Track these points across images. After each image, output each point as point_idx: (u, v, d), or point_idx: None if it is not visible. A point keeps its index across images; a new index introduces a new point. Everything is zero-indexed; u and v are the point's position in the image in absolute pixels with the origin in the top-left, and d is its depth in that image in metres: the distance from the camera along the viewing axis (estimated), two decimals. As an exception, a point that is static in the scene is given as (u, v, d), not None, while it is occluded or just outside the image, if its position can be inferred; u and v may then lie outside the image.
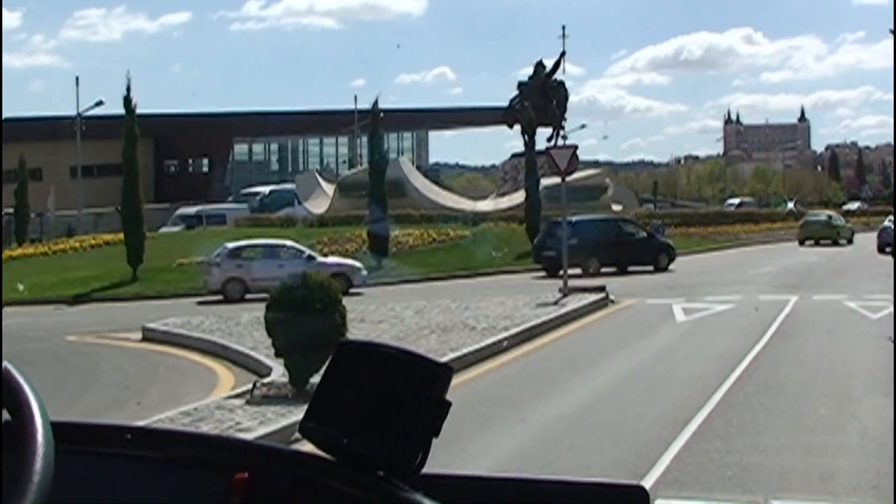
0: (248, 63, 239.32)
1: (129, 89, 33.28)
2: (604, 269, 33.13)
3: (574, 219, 33.89)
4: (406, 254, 37.29)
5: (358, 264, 30.98)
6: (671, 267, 36.13)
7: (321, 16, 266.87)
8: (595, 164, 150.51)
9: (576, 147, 23.17)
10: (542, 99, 58.29)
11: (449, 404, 1.45)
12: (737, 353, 15.66)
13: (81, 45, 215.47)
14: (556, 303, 21.61)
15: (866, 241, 48.02)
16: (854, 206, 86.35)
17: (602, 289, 23.51)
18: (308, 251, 31.25)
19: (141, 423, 2.34)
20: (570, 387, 13.35)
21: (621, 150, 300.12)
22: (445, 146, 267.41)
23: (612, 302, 23.30)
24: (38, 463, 1.16)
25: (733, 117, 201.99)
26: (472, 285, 30.75)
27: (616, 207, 54.31)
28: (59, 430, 1.24)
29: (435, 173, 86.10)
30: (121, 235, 34.65)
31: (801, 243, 49.75)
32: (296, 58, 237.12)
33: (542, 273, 34.07)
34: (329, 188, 54.72)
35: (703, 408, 11.67)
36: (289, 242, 31.72)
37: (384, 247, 34.70)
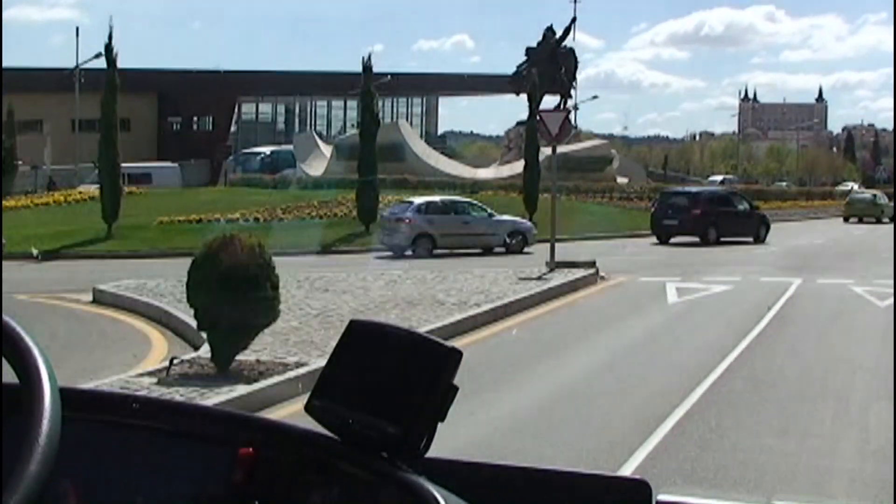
0: (269, 24, 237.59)
1: (110, 38, 31.74)
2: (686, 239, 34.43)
3: (693, 190, 38.82)
4: (396, 220, 35.74)
5: (529, 224, 32.93)
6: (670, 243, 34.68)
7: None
8: (610, 137, 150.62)
9: (568, 111, 21.61)
10: (550, 66, 56.34)
11: (456, 389, 1.44)
12: (727, 343, 14.20)
13: (101, 0, 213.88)
14: (539, 277, 20.11)
15: (827, 227, 46.63)
16: (849, 185, 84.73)
17: (592, 264, 22.00)
18: (488, 209, 32.15)
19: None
20: (533, 377, 11.85)
21: (637, 124, 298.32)
22: (462, 114, 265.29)
23: (603, 278, 21.82)
24: (45, 427, 1.17)
25: (751, 95, 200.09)
26: (463, 255, 29.27)
27: (622, 180, 52.69)
28: (67, 397, 1.24)
29: (442, 140, 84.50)
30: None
31: (846, 220, 50.96)
32: (316, 19, 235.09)
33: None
34: (327, 150, 53.15)
35: (680, 406, 10.25)
36: (467, 200, 33.98)
37: (373, 213, 33.20)
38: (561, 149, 54.20)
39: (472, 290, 17.95)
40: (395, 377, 1.46)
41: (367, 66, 33.65)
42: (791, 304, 18.78)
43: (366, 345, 1.52)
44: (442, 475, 1.46)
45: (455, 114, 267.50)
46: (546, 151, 51.82)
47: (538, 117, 21.00)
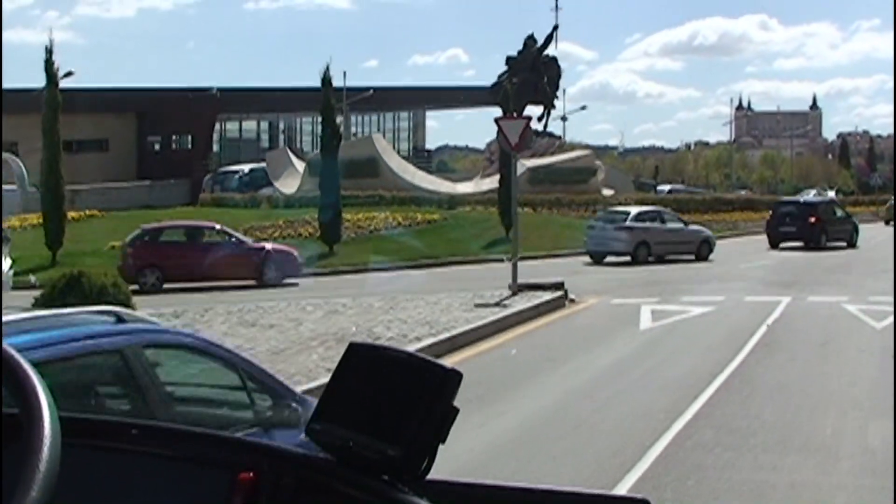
0: (262, 42, 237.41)
1: (50, 52, 29.84)
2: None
3: (805, 200, 41.72)
4: (363, 240, 33.72)
5: (710, 232, 33.77)
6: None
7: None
8: (605, 148, 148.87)
9: (529, 119, 19.57)
10: (532, 75, 54.45)
11: (457, 410, 1.45)
12: (700, 378, 12.34)
13: (95, 22, 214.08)
14: (497, 303, 18.14)
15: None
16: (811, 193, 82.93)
17: (560, 286, 20.06)
18: (680, 218, 34.54)
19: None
20: (467, 427, 9.92)
21: (633, 135, 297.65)
22: (458, 127, 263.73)
23: (572, 301, 19.90)
24: (45, 454, 1.17)
25: (745, 104, 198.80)
26: (434, 275, 27.36)
27: (607, 192, 50.71)
28: (66, 424, 1.24)
29: (425, 154, 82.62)
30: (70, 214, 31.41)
31: (887, 223, 50.36)
32: (309, 37, 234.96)
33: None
34: (301, 166, 51.22)
35: (636, 466, 8.39)
36: (663, 209, 35.25)
37: (336, 232, 31.24)
38: (543, 160, 52.86)
39: (417, 320, 15.99)
40: (394, 399, 1.45)
41: (325, 79, 31.81)
42: (777, 328, 16.90)
43: (365, 367, 1.53)
44: (443, 496, 1.47)
45: (450, 127, 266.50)
46: (526, 163, 50.23)
47: (497, 126, 19.02)
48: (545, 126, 58.67)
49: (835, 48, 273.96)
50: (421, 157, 78.59)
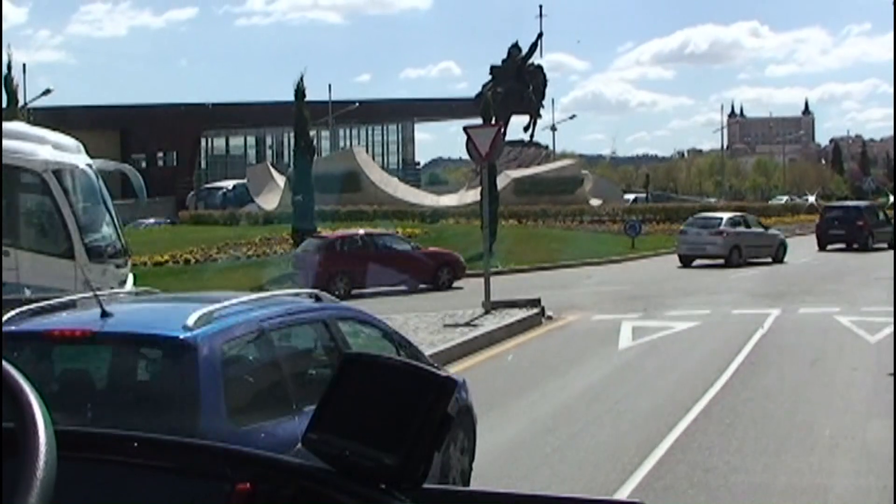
0: (254, 58, 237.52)
1: (9, 68, 28.79)
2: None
3: (853, 204, 43.38)
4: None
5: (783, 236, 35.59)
6: (641, 271, 31.68)
7: (326, 10, 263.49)
8: (599, 157, 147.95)
9: (500, 126, 18.44)
10: (517, 83, 53.31)
11: (452, 419, 1.45)
12: (679, 405, 11.31)
13: (87, 41, 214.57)
14: (467, 323, 17.04)
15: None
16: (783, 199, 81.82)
17: (536, 302, 18.97)
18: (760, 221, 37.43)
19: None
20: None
21: (626, 143, 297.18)
22: (452, 139, 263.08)
23: (549, 318, 18.82)
24: (41, 469, 1.17)
25: (737, 111, 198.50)
26: (408, 293, 26.26)
27: (595, 202, 49.57)
28: (64, 438, 1.25)
29: (415, 167, 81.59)
30: None
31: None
32: (301, 52, 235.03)
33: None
34: (282, 181, 50.15)
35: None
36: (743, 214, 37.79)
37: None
38: (528, 171, 51.72)
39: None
40: (390, 408, 1.45)
41: (298, 91, 30.72)
42: (765, 345, 15.85)
43: (361, 377, 1.52)
44: None
45: (443, 140, 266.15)
46: (511, 174, 49.16)
47: (466, 134, 17.91)
48: (531, 136, 57.58)
49: (826, 53, 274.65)
50: (410, 170, 77.55)
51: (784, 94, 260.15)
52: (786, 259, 34.16)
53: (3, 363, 1.27)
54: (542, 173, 50.01)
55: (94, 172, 17.06)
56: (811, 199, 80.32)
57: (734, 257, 32.39)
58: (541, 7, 59.82)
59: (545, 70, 57.70)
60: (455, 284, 27.44)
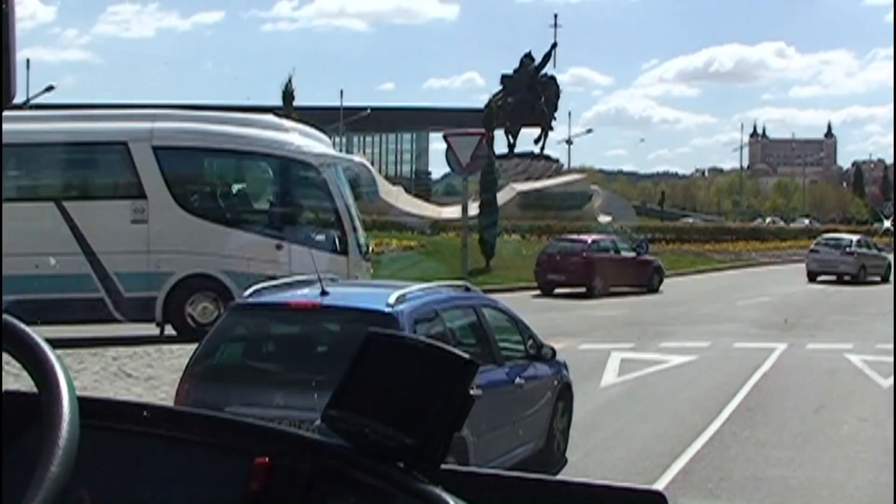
0: (280, 63, 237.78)
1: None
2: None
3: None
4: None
5: None
6: (644, 295, 30.03)
7: (353, 17, 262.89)
8: (619, 173, 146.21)
9: (483, 133, 16.76)
10: (529, 95, 51.59)
11: (472, 400, 1.45)
12: (657, 461, 9.85)
13: (114, 41, 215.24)
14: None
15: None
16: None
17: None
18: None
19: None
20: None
21: (647, 160, 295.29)
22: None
23: (532, 347, 17.17)
24: (64, 431, 1.19)
25: (759, 131, 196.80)
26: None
27: (604, 218, 47.81)
28: (88, 406, 1.28)
29: (426, 176, 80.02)
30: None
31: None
32: (326, 59, 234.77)
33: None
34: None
35: None
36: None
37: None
38: (535, 184, 50.04)
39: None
40: (411, 387, 1.46)
41: (286, 94, 29.20)
42: (765, 386, 14.27)
43: (382, 355, 1.53)
44: (458, 485, 1.47)
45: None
46: (517, 187, 47.49)
47: (446, 143, 16.33)
48: (542, 148, 55.80)
49: (851, 76, 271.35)
50: (422, 180, 75.97)
51: (808, 115, 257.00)
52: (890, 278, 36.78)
53: (30, 332, 1.30)
54: (549, 187, 48.31)
55: (355, 167, 18.47)
56: (805, 221, 78.54)
57: (861, 275, 35.74)
58: (556, 16, 58.66)
59: (563, 82, 56.27)
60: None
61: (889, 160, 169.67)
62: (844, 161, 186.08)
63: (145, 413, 1.65)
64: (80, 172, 18.31)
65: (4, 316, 1.32)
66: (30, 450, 1.24)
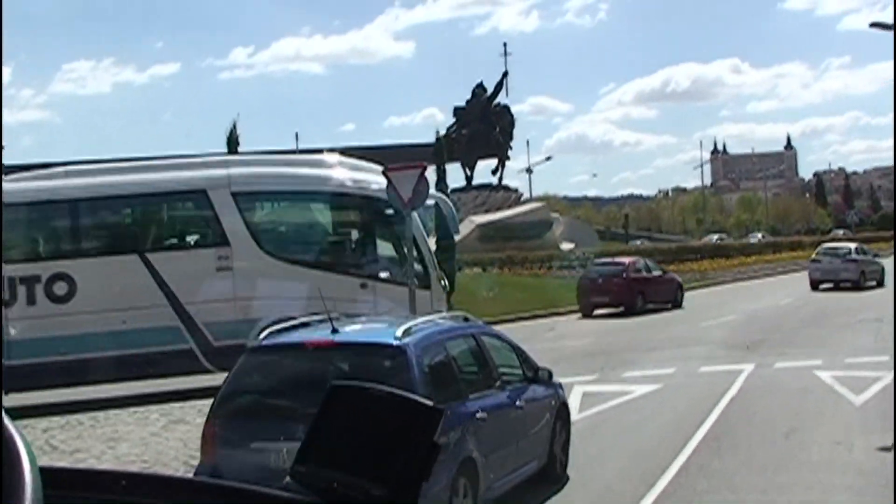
0: (238, 110, 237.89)
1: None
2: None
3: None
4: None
5: None
6: (609, 321, 29.44)
7: (309, 61, 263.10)
8: (584, 199, 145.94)
9: (424, 167, 16.12)
10: (483, 125, 50.98)
11: (439, 447, 1.44)
12: (624, 496, 9.14)
13: (71, 99, 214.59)
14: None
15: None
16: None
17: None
18: None
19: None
20: None
21: (611, 184, 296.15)
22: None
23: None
24: None
25: (720, 147, 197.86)
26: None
27: (567, 246, 47.22)
28: (53, 477, 1.26)
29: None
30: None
31: None
32: (285, 103, 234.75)
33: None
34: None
35: None
36: None
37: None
38: (494, 215, 49.43)
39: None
40: (378, 438, 1.43)
41: (231, 140, 28.69)
42: (732, 413, 13.65)
43: (347, 407, 1.50)
44: None
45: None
46: (476, 220, 46.87)
47: (385, 178, 15.66)
48: (500, 179, 55.23)
49: (807, 87, 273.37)
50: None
51: (766, 129, 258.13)
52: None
53: None
54: (509, 217, 47.68)
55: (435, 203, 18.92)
56: (759, 235, 78.80)
57: (861, 280, 36.47)
58: (504, 45, 57.88)
59: (522, 112, 56.10)
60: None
61: (849, 168, 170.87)
62: (806, 172, 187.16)
63: (123, 482, 1.62)
64: (162, 223, 18.28)
65: None
66: None
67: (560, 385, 11.13)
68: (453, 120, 52.65)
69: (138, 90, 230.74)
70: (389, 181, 15.61)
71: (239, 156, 18.85)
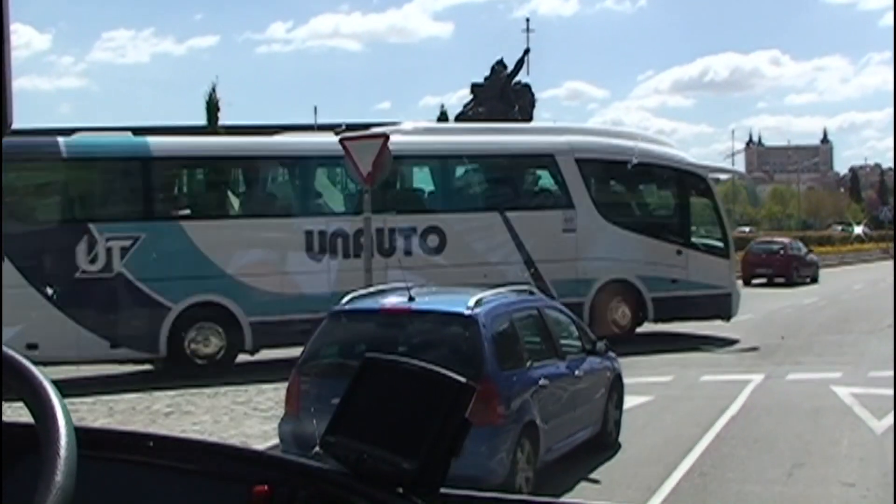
0: (274, 84, 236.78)
1: None
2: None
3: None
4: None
5: None
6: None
7: (347, 38, 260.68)
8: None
9: (387, 137, 14.02)
10: (501, 103, 48.60)
11: (470, 424, 1.42)
12: None
13: (109, 67, 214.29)
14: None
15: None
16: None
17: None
18: None
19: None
20: None
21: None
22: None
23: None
24: (62, 464, 1.17)
25: (755, 139, 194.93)
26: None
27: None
28: (82, 436, 1.25)
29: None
30: None
31: None
32: (321, 79, 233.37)
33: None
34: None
35: None
36: None
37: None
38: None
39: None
40: (409, 412, 1.43)
41: (210, 104, 26.84)
42: (731, 436, 11.60)
43: (380, 380, 1.50)
44: None
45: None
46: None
47: (343, 147, 13.62)
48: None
49: (846, 82, 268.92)
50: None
51: (803, 122, 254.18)
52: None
53: (27, 364, 1.27)
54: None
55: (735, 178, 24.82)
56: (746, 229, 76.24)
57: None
58: (528, 20, 55.53)
59: (559, 97, 54.02)
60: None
61: (885, 164, 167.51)
62: (841, 167, 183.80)
63: (150, 443, 1.61)
64: (516, 183, 19.31)
65: (4, 348, 1.28)
66: (28, 480, 1.21)
67: (615, 358, 11.51)
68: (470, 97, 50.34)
69: (176, 61, 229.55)
70: (346, 151, 13.61)
71: (567, 123, 21.70)
